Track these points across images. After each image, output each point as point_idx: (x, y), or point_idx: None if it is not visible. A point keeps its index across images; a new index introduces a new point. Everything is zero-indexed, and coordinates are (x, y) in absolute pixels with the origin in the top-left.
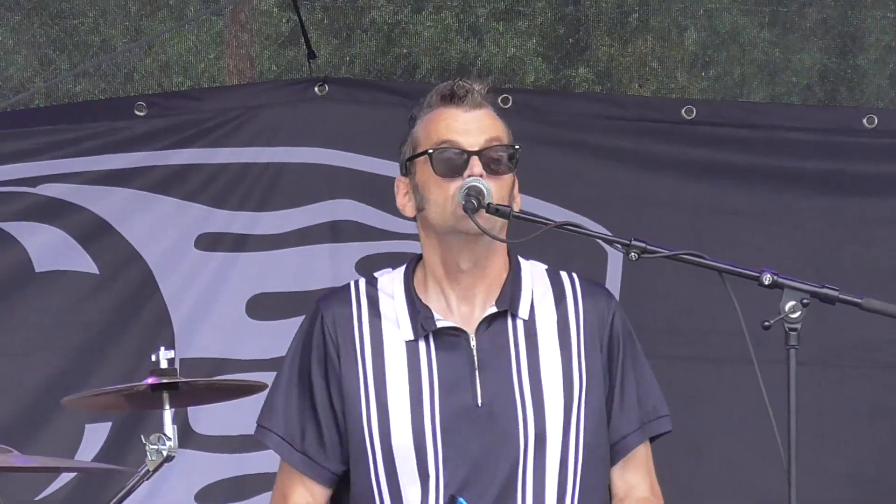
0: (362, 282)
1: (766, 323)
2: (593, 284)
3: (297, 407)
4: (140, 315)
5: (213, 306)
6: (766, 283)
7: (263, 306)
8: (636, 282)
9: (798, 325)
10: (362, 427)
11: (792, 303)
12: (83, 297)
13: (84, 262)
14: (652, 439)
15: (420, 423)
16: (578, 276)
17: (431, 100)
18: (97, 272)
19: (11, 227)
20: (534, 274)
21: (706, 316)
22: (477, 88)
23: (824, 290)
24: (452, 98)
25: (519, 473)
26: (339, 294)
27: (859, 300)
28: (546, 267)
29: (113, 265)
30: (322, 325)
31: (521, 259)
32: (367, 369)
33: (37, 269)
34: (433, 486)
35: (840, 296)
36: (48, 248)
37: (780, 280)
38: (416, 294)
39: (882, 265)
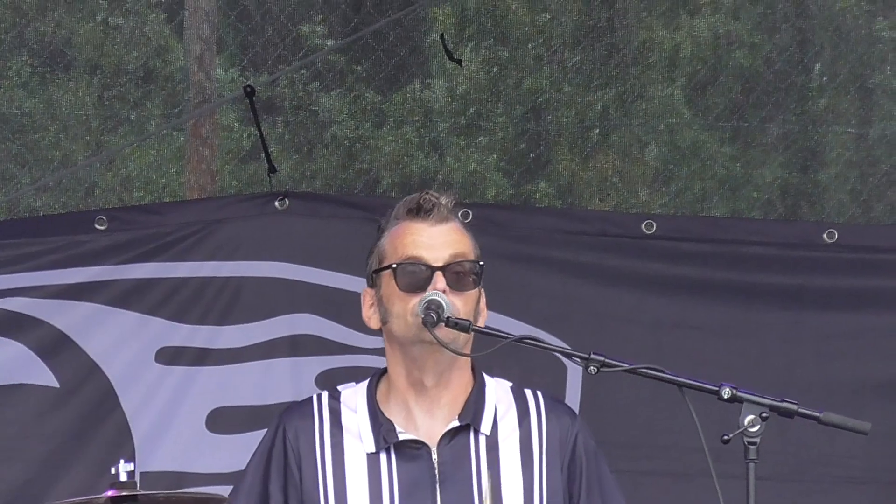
0: (325, 395)
1: (726, 437)
2: (557, 403)
3: None
4: (101, 428)
5: (174, 420)
6: (726, 396)
7: (224, 420)
8: (596, 396)
9: (757, 439)
10: None
11: (751, 416)
12: (44, 411)
13: (44, 376)
14: None
15: None
16: (543, 395)
17: (398, 212)
18: (58, 385)
19: None
20: (498, 390)
21: (666, 430)
22: (444, 202)
23: (783, 404)
24: (419, 212)
25: None
26: (302, 407)
27: (818, 414)
28: (511, 384)
29: (73, 379)
30: (284, 437)
31: (485, 376)
32: (328, 482)
33: None
34: None
35: (799, 409)
36: (8, 361)
37: (740, 394)
38: (379, 407)
39: (841, 379)
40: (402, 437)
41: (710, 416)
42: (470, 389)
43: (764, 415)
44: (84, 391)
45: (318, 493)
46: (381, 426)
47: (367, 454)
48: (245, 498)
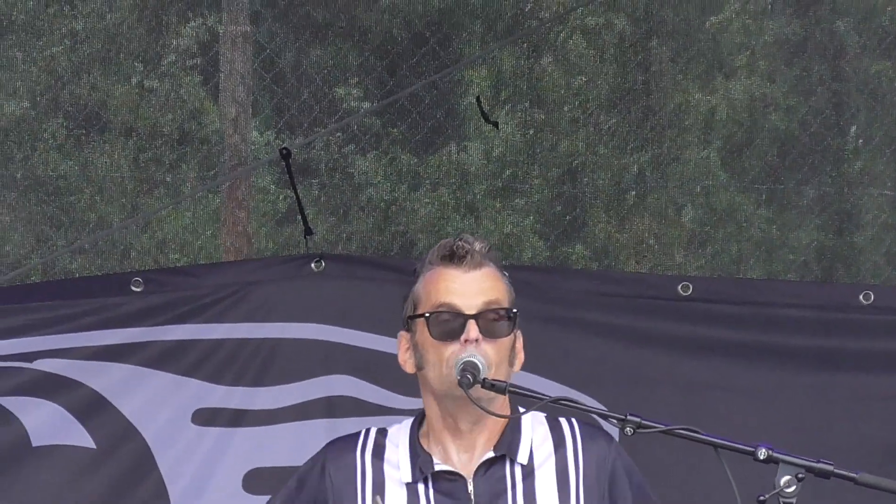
0: (373, 430)
1: (762, 497)
2: (593, 429)
3: None
4: (137, 490)
5: (211, 481)
6: (762, 457)
7: (260, 481)
8: (631, 458)
9: (793, 500)
10: None
11: (787, 477)
12: (80, 472)
13: (81, 437)
14: None
15: None
16: (578, 422)
17: (433, 257)
18: (94, 447)
19: (8, 402)
20: (533, 421)
21: (701, 492)
22: (478, 248)
23: (819, 465)
24: (452, 258)
25: None
26: (348, 439)
27: (854, 475)
28: (546, 415)
29: (110, 440)
30: (323, 467)
31: (521, 408)
32: None
33: (34, 444)
34: None
35: (835, 470)
36: (45, 422)
37: (776, 455)
38: (419, 442)
39: (876, 441)
40: (438, 467)
41: (746, 478)
42: (505, 423)
43: (800, 475)
44: (121, 452)
45: None
46: (418, 458)
47: (406, 484)
48: None
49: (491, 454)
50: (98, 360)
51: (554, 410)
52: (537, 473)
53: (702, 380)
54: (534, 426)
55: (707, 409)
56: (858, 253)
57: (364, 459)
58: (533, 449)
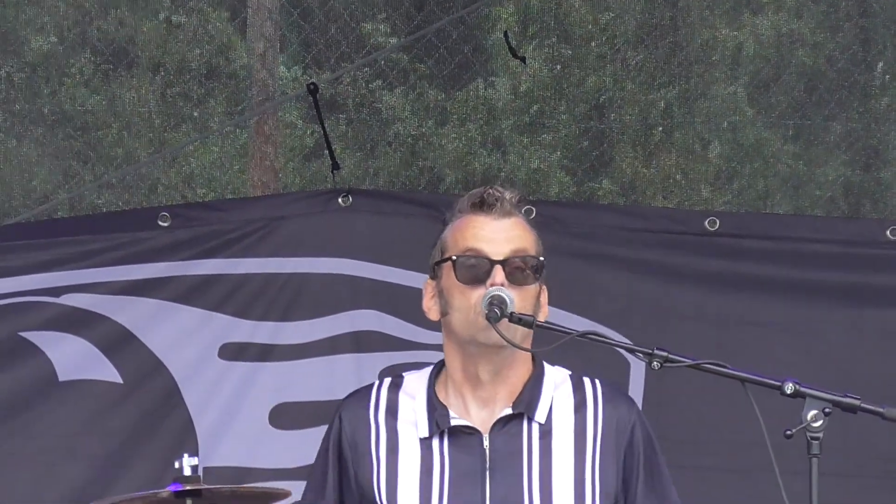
0: (387, 381)
1: (789, 432)
2: (616, 391)
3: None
4: (164, 424)
5: (237, 415)
6: (788, 392)
7: (287, 416)
8: (658, 392)
9: (820, 435)
10: None
11: (814, 412)
12: (107, 407)
13: (108, 372)
14: None
15: None
16: (602, 383)
17: (462, 205)
18: (121, 381)
19: (35, 337)
20: (556, 379)
21: (728, 426)
22: (507, 197)
23: (846, 400)
24: (482, 205)
25: None
26: (361, 394)
27: (881, 409)
28: (570, 373)
29: (137, 374)
30: (340, 428)
31: (545, 364)
32: (381, 468)
33: (60, 379)
34: None
35: (862, 405)
36: (72, 357)
37: (802, 389)
38: (436, 395)
39: None
40: (454, 422)
41: (773, 411)
42: (527, 378)
43: (827, 410)
44: (147, 387)
45: (372, 480)
46: (435, 411)
47: (421, 439)
48: (311, 490)
49: (509, 411)
50: (125, 295)
51: (581, 345)
52: (555, 434)
53: (729, 314)
54: (556, 384)
55: (734, 344)
56: (885, 188)
57: (378, 416)
58: (553, 408)
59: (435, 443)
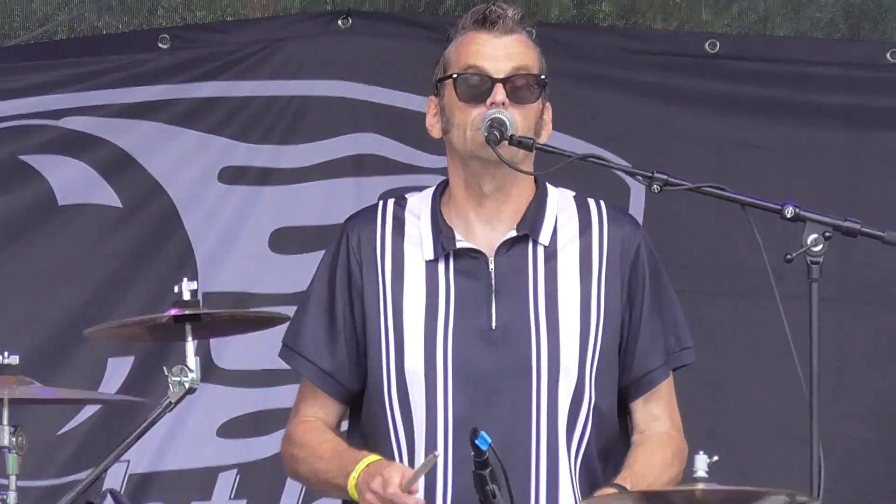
0: (391, 202)
1: (789, 256)
2: (620, 213)
3: (321, 325)
4: (163, 248)
5: (237, 240)
6: (789, 216)
7: (287, 240)
8: (659, 216)
9: (820, 259)
10: (379, 349)
11: (814, 236)
12: (106, 230)
13: (107, 195)
14: (674, 370)
15: (432, 345)
16: (606, 204)
17: (465, 21)
18: (120, 205)
19: (34, 160)
20: (560, 200)
21: (729, 250)
22: (510, 14)
23: (846, 224)
24: (484, 22)
25: (532, 399)
26: (366, 214)
27: (881, 234)
28: (574, 194)
29: (136, 198)
30: (347, 244)
31: (549, 186)
32: (387, 290)
33: (59, 202)
34: (441, 410)
35: (862, 229)
36: (71, 180)
37: (803, 213)
38: (442, 215)
39: None
40: (459, 245)
41: (773, 235)
42: (531, 200)
43: (827, 234)
44: (147, 211)
45: (377, 301)
46: (440, 233)
47: (426, 261)
48: (312, 308)
49: (513, 233)
50: (124, 118)
51: (581, 168)
52: (560, 255)
53: (730, 137)
54: (560, 205)
55: (735, 167)
56: (885, 10)
57: (385, 235)
58: (557, 229)
59: (440, 265)
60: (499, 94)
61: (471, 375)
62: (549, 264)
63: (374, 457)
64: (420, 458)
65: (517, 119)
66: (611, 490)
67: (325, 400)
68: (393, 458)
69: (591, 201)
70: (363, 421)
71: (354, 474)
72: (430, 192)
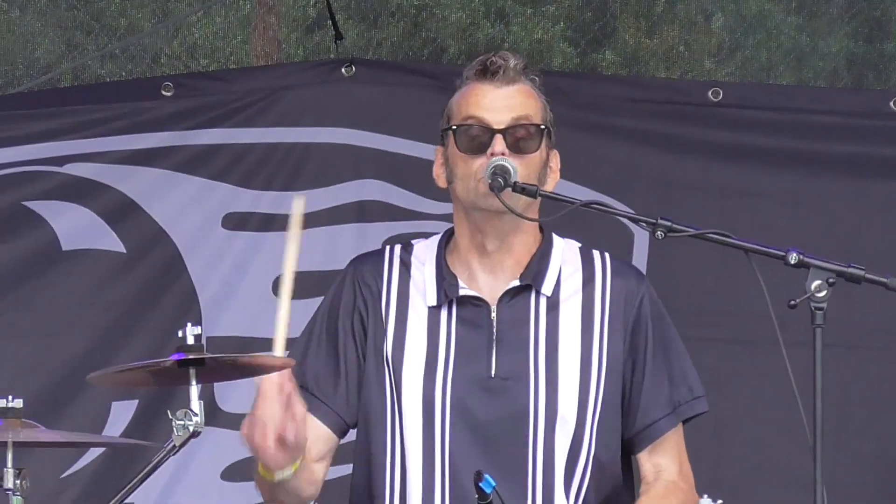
0: (398, 247)
1: (793, 302)
2: (625, 265)
3: (324, 360)
4: (167, 294)
5: (240, 285)
6: (793, 262)
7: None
8: (662, 263)
9: (824, 305)
10: (379, 389)
11: (818, 282)
12: (110, 276)
13: (111, 241)
14: (686, 421)
15: (431, 391)
16: (611, 257)
17: (468, 72)
18: (124, 251)
19: (39, 206)
20: (565, 251)
21: (732, 297)
22: (512, 64)
23: (850, 270)
24: (485, 73)
25: (529, 448)
26: (374, 256)
27: (885, 280)
28: (580, 245)
29: (140, 244)
30: (354, 280)
31: (555, 237)
32: (389, 333)
33: (64, 248)
34: (438, 456)
35: (866, 275)
36: (75, 226)
37: (806, 259)
38: (446, 262)
39: None
40: (462, 292)
41: (777, 283)
42: (535, 250)
43: (831, 280)
44: (151, 257)
45: (379, 343)
46: (444, 280)
47: (429, 307)
48: (314, 339)
49: (516, 283)
50: (128, 164)
51: (585, 215)
52: (562, 306)
53: (733, 185)
54: (564, 256)
55: (738, 215)
56: (888, 60)
57: (391, 278)
58: (561, 280)
59: (443, 312)
60: (498, 144)
61: (468, 422)
62: (550, 315)
63: None
64: (414, 498)
65: (519, 169)
66: None
67: (316, 424)
68: (385, 494)
69: (597, 253)
70: (361, 455)
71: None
72: (436, 239)
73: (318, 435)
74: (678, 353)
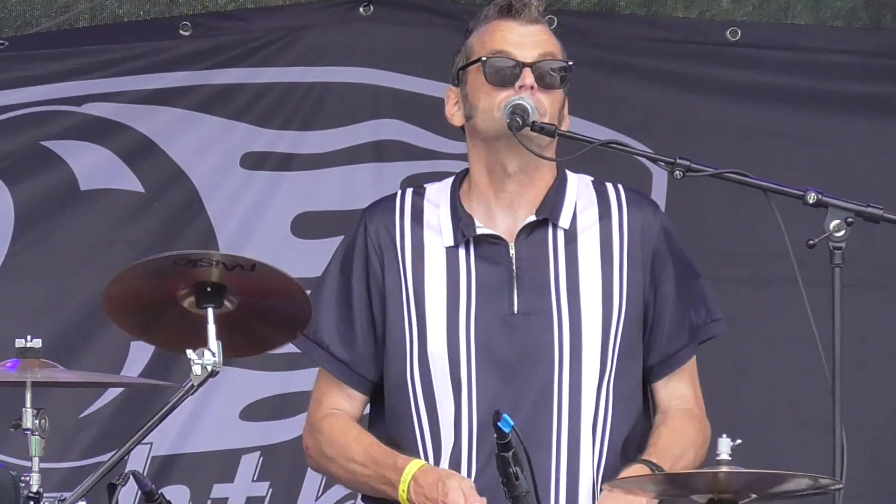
0: (409, 191)
1: (811, 241)
2: (639, 196)
3: (337, 315)
4: (185, 234)
5: (259, 225)
6: (811, 201)
7: (308, 225)
8: (681, 202)
9: (842, 244)
10: (401, 334)
11: (836, 221)
12: (128, 216)
13: (129, 181)
14: (703, 342)
15: (455, 331)
16: (624, 188)
17: (489, 12)
18: (143, 191)
19: (56, 146)
20: (579, 185)
21: (751, 237)
22: (535, 4)
23: (869, 209)
24: (510, 11)
25: (555, 383)
26: (385, 203)
27: None
28: (592, 179)
29: (158, 184)
30: (366, 233)
31: (568, 172)
32: (408, 277)
33: (82, 188)
34: (465, 395)
35: (884, 214)
36: (93, 166)
37: (825, 199)
38: (461, 203)
39: None
40: (479, 231)
41: (796, 222)
42: (549, 186)
43: (849, 219)
44: (169, 196)
45: (399, 289)
46: (460, 220)
47: (447, 248)
48: (328, 298)
49: (533, 218)
50: (146, 104)
51: (603, 155)
52: (580, 239)
53: (751, 125)
54: (579, 190)
55: (757, 155)
56: None
57: (403, 223)
58: (577, 213)
59: (461, 252)
60: (528, 77)
61: (494, 359)
62: (569, 248)
63: (416, 463)
64: (446, 442)
65: (545, 103)
66: (638, 467)
67: (348, 390)
68: (416, 444)
69: (610, 185)
70: (386, 407)
71: (403, 487)
72: (448, 181)
73: (351, 395)
74: (696, 277)
